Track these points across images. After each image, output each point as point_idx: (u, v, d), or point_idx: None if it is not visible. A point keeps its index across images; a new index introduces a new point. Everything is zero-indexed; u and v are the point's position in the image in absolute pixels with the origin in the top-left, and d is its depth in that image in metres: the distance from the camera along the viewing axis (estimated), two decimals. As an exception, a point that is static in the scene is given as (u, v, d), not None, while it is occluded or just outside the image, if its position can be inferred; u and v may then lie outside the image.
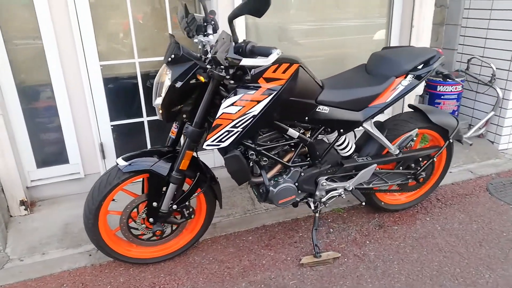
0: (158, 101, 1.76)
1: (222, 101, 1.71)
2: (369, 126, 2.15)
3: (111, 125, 2.66)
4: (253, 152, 1.93)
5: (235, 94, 1.71)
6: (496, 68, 3.27)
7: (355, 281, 2.01)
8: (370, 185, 2.30)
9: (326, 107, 1.97)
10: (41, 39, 2.33)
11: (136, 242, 2.05)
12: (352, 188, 2.18)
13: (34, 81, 2.44)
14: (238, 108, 1.71)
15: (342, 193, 2.19)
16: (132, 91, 2.67)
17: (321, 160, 2.14)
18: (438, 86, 3.48)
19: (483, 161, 3.29)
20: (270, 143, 1.99)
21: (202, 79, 1.64)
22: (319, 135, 2.11)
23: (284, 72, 1.76)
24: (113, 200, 1.94)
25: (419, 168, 2.35)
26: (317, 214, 2.22)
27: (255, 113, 1.73)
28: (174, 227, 2.09)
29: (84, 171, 2.67)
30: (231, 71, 1.59)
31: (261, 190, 2.00)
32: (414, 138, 2.19)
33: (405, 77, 2.05)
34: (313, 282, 2.01)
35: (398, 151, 2.18)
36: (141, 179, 1.96)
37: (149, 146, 2.82)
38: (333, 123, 2.03)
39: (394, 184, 2.37)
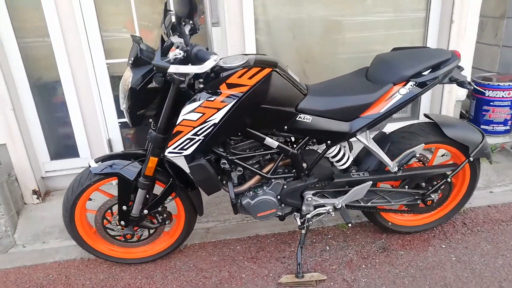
0: (124, 105, 1.72)
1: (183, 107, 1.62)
2: (364, 138, 1.90)
3: (119, 122, 2.72)
4: (225, 161, 1.82)
5: (196, 100, 1.60)
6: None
7: (332, 310, 1.81)
8: (369, 204, 2.05)
9: (308, 116, 1.78)
10: (49, 37, 2.43)
11: (115, 242, 2.06)
12: (342, 206, 1.96)
13: (46, 78, 2.58)
14: (198, 115, 1.61)
15: (331, 210, 1.98)
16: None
17: (309, 173, 1.95)
18: (487, 91, 3.00)
19: (537, 181, 2.78)
20: (248, 152, 1.86)
21: (155, 83, 1.56)
22: (307, 146, 1.93)
23: (251, 77, 1.61)
24: (90, 199, 1.97)
25: (430, 188, 2.03)
26: (303, 231, 2.03)
27: (216, 121, 1.61)
28: (152, 230, 2.06)
29: (94, 165, 2.77)
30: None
31: (232, 202, 1.87)
32: (417, 155, 1.89)
33: (405, 84, 1.77)
34: (286, 305, 1.85)
35: (396, 169, 1.90)
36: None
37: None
38: (317, 134, 1.83)
39: (398, 204, 2.08)
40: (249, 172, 1.91)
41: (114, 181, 1.86)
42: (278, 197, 1.95)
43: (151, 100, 1.68)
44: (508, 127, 3.09)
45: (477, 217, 2.43)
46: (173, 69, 1.33)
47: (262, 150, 1.87)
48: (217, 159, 1.84)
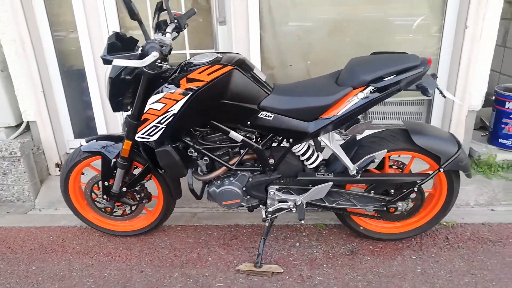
0: (106, 93, 1.95)
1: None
2: (327, 139, 1.94)
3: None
4: (192, 150, 1.98)
5: (160, 92, 1.78)
6: None
7: (276, 301, 1.90)
8: (334, 205, 2.08)
9: (270, 114, 1.87)
10: (77, 31, 2.78)
11: (102, 214, 2.32)
12: (302, 203, 2.02)
13: (75, 66, 2.93)
14: (161, 105, 1.79)
15: (292, 206, 2.05)
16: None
17: (275, 168, 2.04)
18: (507, 102, 2.81)
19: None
20: (216, 144, 2.00)
21: (123, 75, 1.76)
22: (273, 143, 2.02)
23: (210, 74, 1.75)
24: (83, 173, 2.26)
25: (397, 196, 2.01)
26: (266, 224, 2.13)
27: (175, 111, 1.77)
28: (133, 207, 2.29)
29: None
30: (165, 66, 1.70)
31: (189, 187, 2.03)
32: (376, 161, 1.88)
33: (364, 89, 1.78)
34: (237, 290, 1.97)
35: (355, 172, 1.91)
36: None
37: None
38: (279, 131, 1.91)
39: (365, 208, 2.08)
40: (218, 163, 2.05)
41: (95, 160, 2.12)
42: (244, 188, 2.06)
43: (127, 89, 1.89)
44: (528, 144, 2.86)
45: (464, 233, 2.32)
46: (115, 62, 1.51)
47: (229, 142, 2.00)
48: (186, 147, 2.00)
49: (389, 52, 1.97)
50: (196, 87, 1.74)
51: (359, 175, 1.92)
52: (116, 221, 2.36)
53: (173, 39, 2.05)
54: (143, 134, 1.87)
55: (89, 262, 2.22)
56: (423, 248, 2.20)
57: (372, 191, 2.03)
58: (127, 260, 2.22)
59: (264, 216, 2.11)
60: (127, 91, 1.89)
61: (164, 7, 1.93)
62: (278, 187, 2.05)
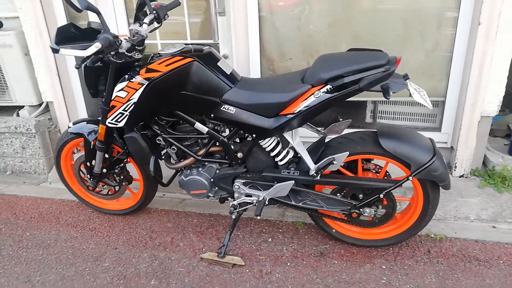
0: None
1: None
2: (289, 137, 1.89)
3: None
4: (160, 138, 2.04)
5: (124, 80, 1.85)
6: None
7: (227, 293, 1.91)
8: (300, 204, 2.03)
9: (232, 108, 1.86)
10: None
11: (89, 192, 2.48)
12: (264, 199, 1.99)
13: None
14: (125, 94, 1.86)
15: (255, 202, 2.03)
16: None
17: (243, 161, 2.03)
18: (529, 109, 2.50)
19: None
20: (182, 133, 2.04)
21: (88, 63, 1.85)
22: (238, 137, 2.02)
23: (168, 65, 1.78)
24: (73, 152, 2.43)
25: (363, 201, 1.91)
26: (233, 216, 2.14)
27: (135, 100, 1.84)
28: (116, 188, 2.41)
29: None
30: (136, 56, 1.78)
31: (150, 174, 2.10)
32: (335, 163, 1.78)
33: (322, 87, 1.69)
34: (194, 277, 2.01)
35: (314, 172, 1.84)
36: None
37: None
38: (241, 126, 1.90)
39: (332, 210, 2.00)
40: (186, 153, 2.09)
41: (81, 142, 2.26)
42: (212, 180, 2.09)
43: (99, 76, 1.98)
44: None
45: (450, 248, 2.14)
46: (62, 52, 1.59)
47: (196, 134, 2.03)
48: (155, 135, 2.07)
49: (365, 49, 1.85)
50: (153, 77, 1.78)
51: (319, 175, 1.85)
52: (104, 199, 2.51)
53: (154, 30, 2.11)
54: (112, 120, 1.96)
55: (75, 234, 2.40)
56: (398, 258, 2.07)
57: (338, 194, 1.95)
58: (107, 236, 2.36)
59: (231, 209, 2.12)
60: (100, 78, 1.98)
61: None
62: (244, 181, 2.04)
